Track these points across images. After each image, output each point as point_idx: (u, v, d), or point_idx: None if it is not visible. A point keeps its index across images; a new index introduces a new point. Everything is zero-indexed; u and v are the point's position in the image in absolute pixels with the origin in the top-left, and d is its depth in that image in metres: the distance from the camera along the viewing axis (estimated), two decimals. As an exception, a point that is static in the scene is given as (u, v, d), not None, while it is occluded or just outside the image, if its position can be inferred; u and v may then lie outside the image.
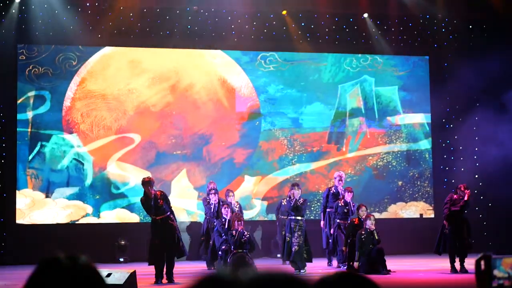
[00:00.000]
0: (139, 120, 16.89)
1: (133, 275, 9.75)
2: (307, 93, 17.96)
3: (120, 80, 16.93)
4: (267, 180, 17.30)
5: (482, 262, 2.29)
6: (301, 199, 13.34)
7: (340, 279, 1.89)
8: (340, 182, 14.62)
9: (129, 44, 17.00)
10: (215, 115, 17.34)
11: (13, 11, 16.28)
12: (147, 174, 16.53)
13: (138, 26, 16.86)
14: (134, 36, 16.88)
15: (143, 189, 11.88)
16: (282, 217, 14.89)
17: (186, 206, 16.83)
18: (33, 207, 16.09)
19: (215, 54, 17.55)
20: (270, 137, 17.65)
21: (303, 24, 17.88)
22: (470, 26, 18.60)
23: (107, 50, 16.94)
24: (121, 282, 9.35)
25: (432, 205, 18.29)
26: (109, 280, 9.19)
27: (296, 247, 12.89)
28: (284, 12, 17.66)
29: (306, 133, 17.83)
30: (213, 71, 17.48)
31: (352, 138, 18.12)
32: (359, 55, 18.30)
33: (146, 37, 16.92)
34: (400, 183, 18.25)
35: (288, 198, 13.71)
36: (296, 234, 12.99)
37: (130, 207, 16.41)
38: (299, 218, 13.16)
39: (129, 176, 16.64)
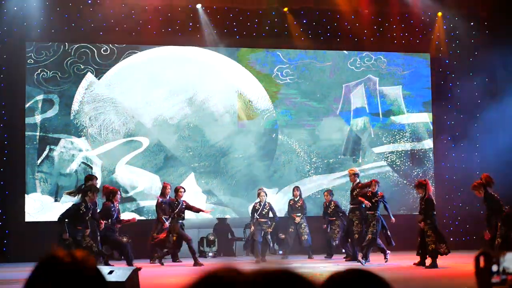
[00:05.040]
0: (158, 132, 17.01)
1: (135, 272, 9.83)
2: (323, 105, 18.04)
3: (137, 92, 16.99)
4: (284, 191, 17.29)
5: (481, 259, 2.36)
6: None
7: (350, 276, 1.90)
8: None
9: (143, 42, 16.96)
10: (232, 128, 17.42)
11: (21, 13, 16.27)
12: (156, 177, 16.68)
13: (152, 27, 16.85)
14: (149, 37, 16.86)
15: (159, 193, 15.15)
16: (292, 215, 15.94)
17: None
18: (42, 211, 16.13)
19: (232, 66, 17.62)
20: (287, 149, 17.74)
21: (314, 23, 17.91)
22: (472, 23, 18.60)
23: (125, 63, 16.99)
24: (123, 279, 9.42)
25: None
26: (112, 277, 9.27)
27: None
28: (285, 9, 17.73)
29: (323, 145, 17.90)
30: (230, 84, 17.56)
31: (359, 139, 18.23)
32: (363, 54, 18.37)
33: (161, 37, 16.93)
34: (404, 182, 18.34)
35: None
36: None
37: (138, 210, 16.49)
38: (263, 220, 15.15)
39: (137, 179, 16.72)
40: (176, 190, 14.82)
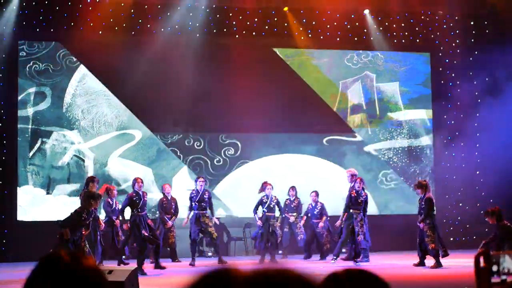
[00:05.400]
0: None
1: (134, 272, 9.78)
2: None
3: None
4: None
5: (481, 259, 2.30)
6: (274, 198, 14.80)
7: (349, 275, 1.88)
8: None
9: (143, 41, 16.75)
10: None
11: (14, 7, 16.17)
12: (148, 170, 16.59)
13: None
14: (148, 36, 16.72)
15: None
16: (286, 215, 15.55)
17: (187, 202, 16.76)
18: (34, 204, 16.04)
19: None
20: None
21: (314, 22, 17.81)
22: (472, 22, 18.53)
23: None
24: (123, 279, 9.36)
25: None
26: (111, 277, 9.20)
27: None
28: (285, 9, 17.62)
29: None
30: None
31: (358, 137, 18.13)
32: (360, 51, 18.25)
33: (160, 36, 16.77)
34: (401, 179, 18.24)
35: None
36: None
37: (131, 204, 16.35)
38: (270, 214, 14.67)
39: (130, 172, 16.59)
40: (196, 180, 14.70)
